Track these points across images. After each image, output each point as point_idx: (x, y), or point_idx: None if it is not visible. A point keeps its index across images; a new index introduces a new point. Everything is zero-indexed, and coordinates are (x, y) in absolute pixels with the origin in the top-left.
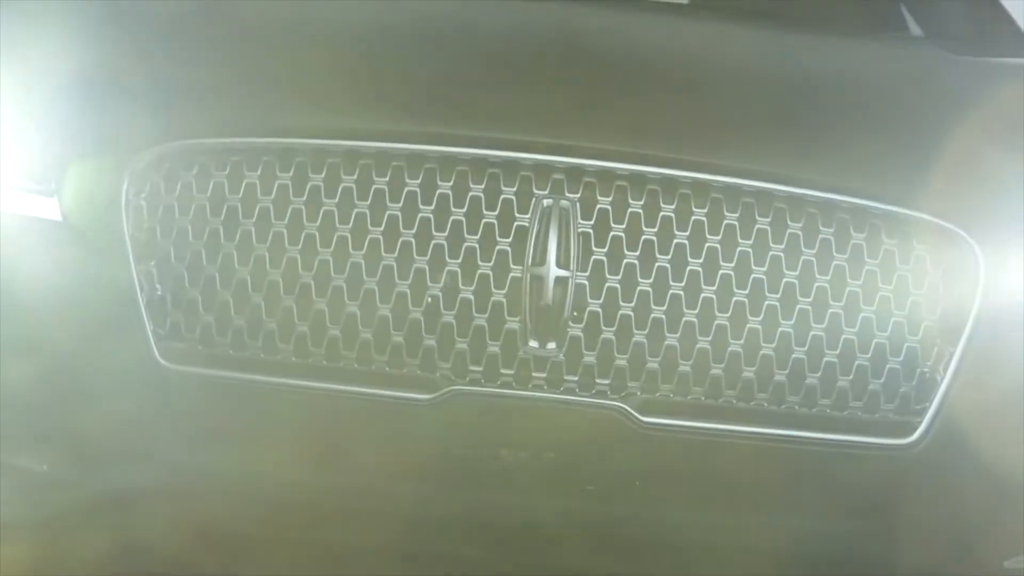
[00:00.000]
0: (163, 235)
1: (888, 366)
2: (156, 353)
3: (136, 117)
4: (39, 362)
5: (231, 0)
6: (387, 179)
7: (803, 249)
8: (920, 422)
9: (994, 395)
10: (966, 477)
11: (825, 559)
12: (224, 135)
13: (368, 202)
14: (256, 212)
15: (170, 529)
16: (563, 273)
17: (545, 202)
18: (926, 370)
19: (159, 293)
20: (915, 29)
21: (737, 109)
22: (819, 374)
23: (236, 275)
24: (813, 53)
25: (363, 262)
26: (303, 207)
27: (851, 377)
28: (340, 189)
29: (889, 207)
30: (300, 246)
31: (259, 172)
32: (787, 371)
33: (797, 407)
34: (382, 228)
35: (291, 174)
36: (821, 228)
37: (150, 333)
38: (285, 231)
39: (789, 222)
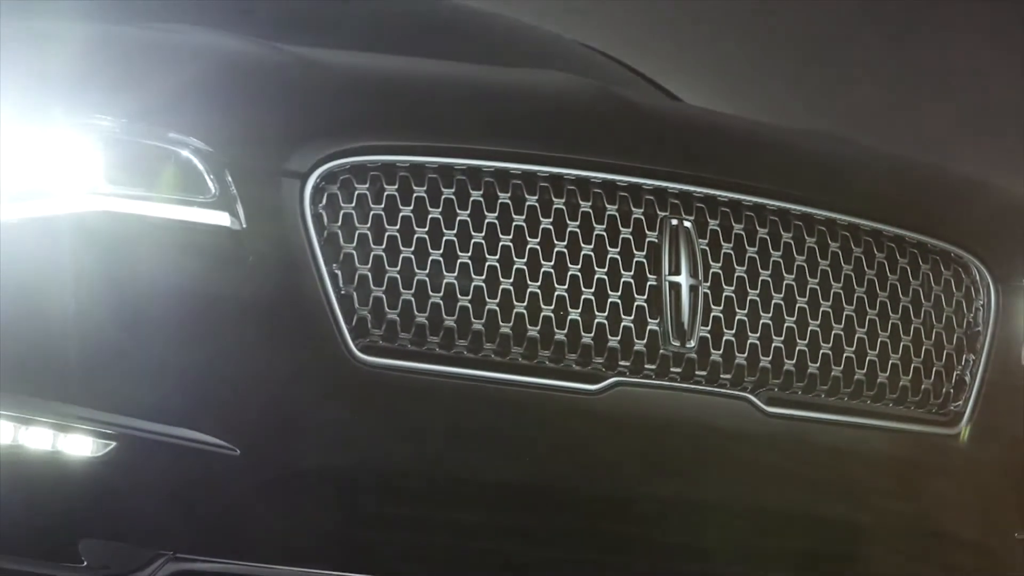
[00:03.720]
0: (345, 240)
1: (934, 368)
2: (352, 346)
3: (311, 134)
4: (232, 353)
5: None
6: (536, 197)
7: (866, 270)
8: (963, 415)
9: (1013, 394)
10: (998, 460)
11: (891, 528)
12: (390, 154)
13: (524, 216)
14: (428, 222)
15: (355, 509)
16: (694, 282)
17: (672, 222)
18: (958, 372)
19: (343, 293)
20: None
21: (797, 155)
22: (887, 374)
23: (415, 277)
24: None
25: (525, 269)
26: (468, 219)
27: (910, 377)
28: (498, 204)
29: (920, 236)
30: (470, 253)
31: (425, 187)
32: (864, 370)
33: (870, 401)
34: (538, 240)
35: (453, 190)
36: (876, 253)
37: (344, 328)
38: (456, 240)
39: (853, 247)
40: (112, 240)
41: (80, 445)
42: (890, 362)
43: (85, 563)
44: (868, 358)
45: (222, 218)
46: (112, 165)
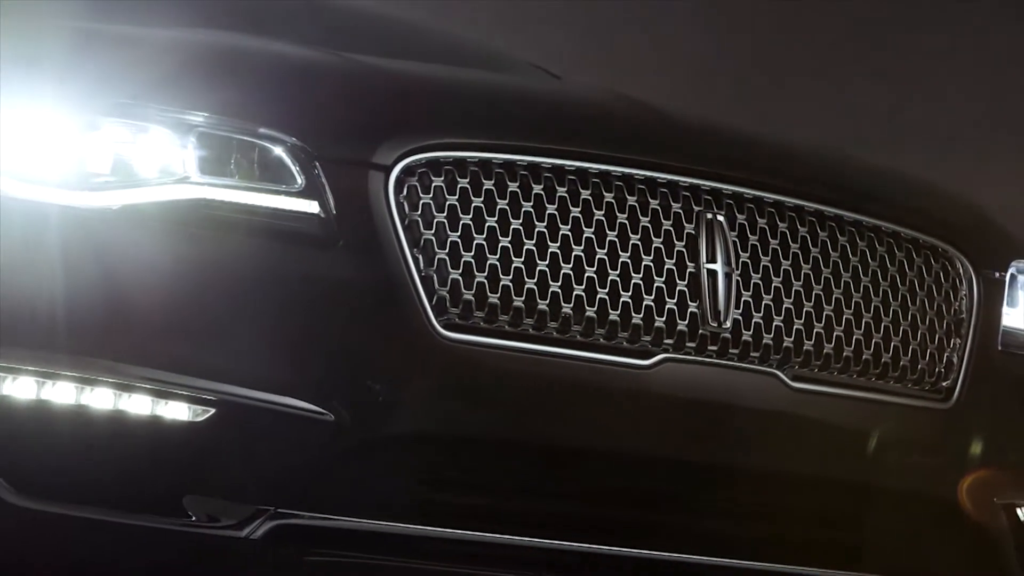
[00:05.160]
0: (424, 227)
1: (928, 351)
2: (435, 322)
3: (392, 132)
4: (326, 328)
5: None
6: (589, 191)
7: (869, 261)
8: (954, 391)
9: (993, 374)
10: (982, 431)
11: (895, 489)
12: (461, 150)
13: (579, 208)
14: (496, 212)
15: (436, 470)
16: (728, 269)
17: (707, 215)
18: (947, 354)
19: (424, 275)
20: None
21: (805, 160)
22: (890, 354)
23: (487, 261)
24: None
25: (583, 255)
26: (532, 210)
27: (908, 358)
28: (557, 197)
29: (913, 233)
30: (534, 240)
31: (493, 181)
32: (871, 351)
33: (875, 379)
34: (592, 229)
35: (517, 183)
36: (877, 247)
37: (427, 306)
38: (521, 228)
39: (859, 241)
40: (208, 226)
41: (184, 410)
42: (892, 344)
43: (193, 518)
44: (873, 340)
45: (312, 206)
46: (206, 157)
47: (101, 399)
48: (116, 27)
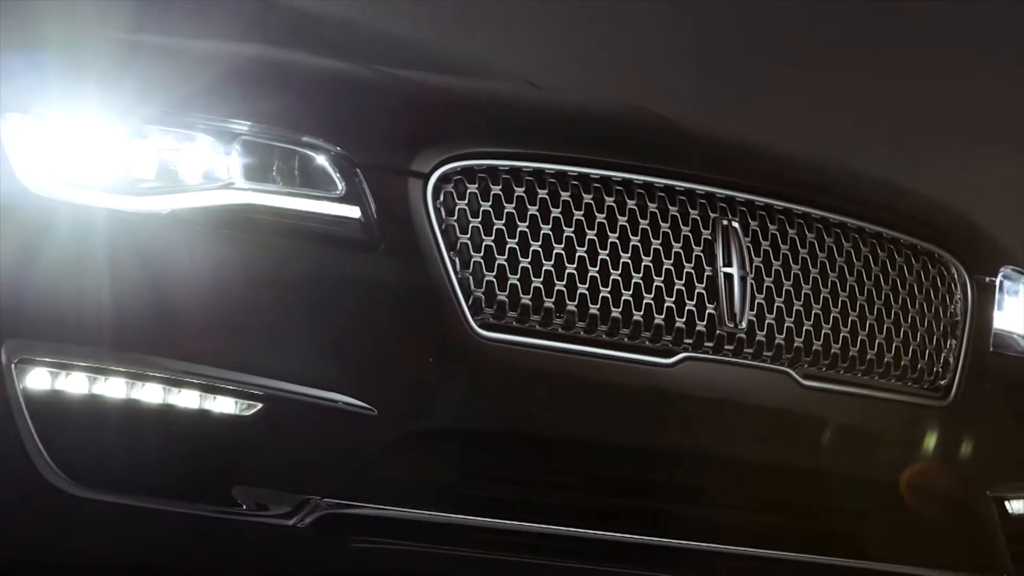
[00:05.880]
0: (460, 232)
1: (927, 351)
2: (472, 322)
3: (430, 141)
4: (370, 327)
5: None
6: (613, 199)
7: (872, 266)
8: (951, 389)
9: (986, 373)
10: (977, 427)
11: (892, 481)
12: (493, 159)
13: (604, 215)
14: (528, 218)
15: (472, 461)
16: (743, 273)
17: (723, 222)
18: (944, 355)
19: (460, 277)
20: None
21: (813, 168)
22: (892, 354)
23: (519, 264)
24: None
25: (608, 259)
26: (560, 216)
27: (909, 358)
28: (583, 204)
29: (912, 239)
30: (563, 245)
31: (523, 188)
32: (875, 351)
33: (879, 377)
34: (617, 234)
35: (546, 191)
36: (879, 252)
37: (465, 307)
38: (551, 234)
39: (862, 247)
40: (254, 230)
41: (232, 405)
42: (893, 344)
43: (243, 507)
44: (876, 341)
45: (354, 211)
46: (250, 164)
47: (152, 394)
48: (161, 38)
